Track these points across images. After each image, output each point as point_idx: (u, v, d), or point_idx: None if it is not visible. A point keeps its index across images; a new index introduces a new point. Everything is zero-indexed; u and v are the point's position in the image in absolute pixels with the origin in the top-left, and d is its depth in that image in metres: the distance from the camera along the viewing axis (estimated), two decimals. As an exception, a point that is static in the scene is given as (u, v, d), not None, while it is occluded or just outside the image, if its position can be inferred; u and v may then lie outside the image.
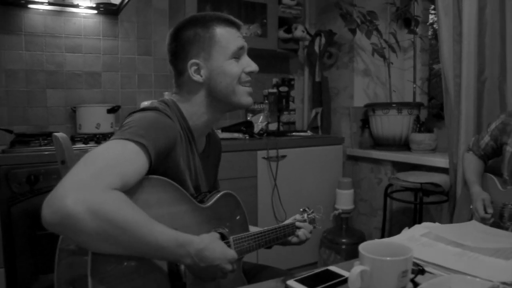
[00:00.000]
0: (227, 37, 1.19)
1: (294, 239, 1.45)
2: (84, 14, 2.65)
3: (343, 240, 2.75)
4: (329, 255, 2.78)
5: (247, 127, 2.73)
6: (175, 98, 1.23)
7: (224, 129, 2.75)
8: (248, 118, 3.01)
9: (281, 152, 2.59)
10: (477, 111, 2.19)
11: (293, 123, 3.24)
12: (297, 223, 1.45)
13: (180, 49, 1.19)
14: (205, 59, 1.18)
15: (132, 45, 2.83)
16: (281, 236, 1.39)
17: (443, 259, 0.99)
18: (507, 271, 0.93)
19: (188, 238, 0.94)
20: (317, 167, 2.79)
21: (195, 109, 1.21)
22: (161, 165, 1.05)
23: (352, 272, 0.73)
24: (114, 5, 2.57)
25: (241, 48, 1.21)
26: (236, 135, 2.64)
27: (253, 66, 1.23)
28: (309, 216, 1.53)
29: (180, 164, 1.13)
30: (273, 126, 3.06)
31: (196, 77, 1.18)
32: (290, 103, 3.25)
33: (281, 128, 3.11)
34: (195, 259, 0.93)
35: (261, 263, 2.39)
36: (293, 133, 2.93)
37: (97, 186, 0.84)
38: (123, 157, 0.93)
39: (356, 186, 3.02)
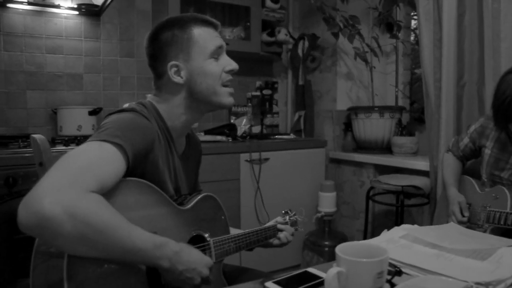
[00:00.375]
0: (205, 37, 1.18)
1: (275, 241, 1.45)
2: (65, 14, 2.62)
3: (326, 243, 2.77)
4: (312, 257, 2.79)
5: (230, 130, 2.73)
6: (153, 99, 1.22)
7: (207, 132, 2.75)
8: (231, 121, 3.01)
9: (264, 155, 2.60)
10: (456, 115, 2.22)
11: (277, 126, 3.24)
12: (279, 226, 1.45)
13: (159, 52, 1.18)
14: (185, 60, 1.17)
15: (114, 46, 2.81)
16: (262, 239, 1.39)
17: (420, 260, 1.00)
18: (482, 271, 0.95)
19: (165, 240, 0.93)
20: (300, 170, 2.80)
21: (173, 110, 1.20)
22: (139, 167, 1.05)
23: (328, 273, 0.73)
24: (96, 6, 2.55)
25: (220, 47, 1.21)
26: (219, 137, 2.64)
27: (233, 65, 1.23)
28: (291, 218, 1.53)
29: (159, 166, 1.12)
30: (256, 129, 3.06)
31: (177, 79, 1.17)
32: (274, 106, 3.26)
33: (265, 131, 3.12)
34: (172, 261, 0.92)
35: (244, 265, 2.39)
36: (276, 136, 2.94)
37: (74, 188, 0.83)
38: (100, 158, 0.92)
39: (338, 189, 3.04)
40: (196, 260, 0.97)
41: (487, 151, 1.77)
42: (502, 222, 1.55)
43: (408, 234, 1.21)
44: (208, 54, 1.18)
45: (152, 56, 1.21)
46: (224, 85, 1.22)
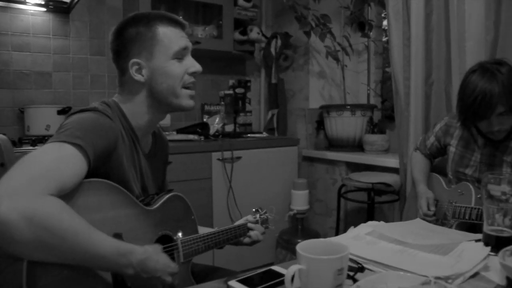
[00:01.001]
0: (170, 37, 1.16)
1: (246, 239, 1.44)
2: (32, 11, 2.56)
3: (299, 241, 2.73)
4: (285, 255, 2.80)
5: (202, 128, 2.72)
6: (117, 98, 1.21)
7: (179, 131, 2.73)
8: (204, 120, 3.00)
9: (236, 153, 2.60)
10: (425, 113, 2.26)
11: (250, 124, 3.24)
12: (249, 225, 1.45)
13: (122, 48, 1.16)
14: (147, 59, 1.15)
15: (84, 44, 2.76)
16: (232, 237, 1.38)
17: (384, 257, 1.02)
18: (443, 266, 0.97)
19: (130, 247, 0.91)
20: (272, 168, 2.81)
21: (136, 109, 1.18)
22: (102, 167, 1.03)
23: (289, 271, 0.74)
24: (65, 3, 2.50)
25: (185, 48, 1.19)
26: (191, 136, 2.62)
27: (196, 67, 1.21)
28: (262, 216, 1.53)
29: (124, 165, 1.11)
30: (229, 128, 3.06)
31: (137, 77, 1.15)
32: (247, 104, 3.26)
33: (238, 130, 3.12)
34: (137, 269, 0.91)
35: (217, 264, 2.40)
36: (249, 135, 2.93)
37: (32, 192, 0.81)
38: (59, 160, 0.90)
39: (311, 187, 3.06)
40: (161, 268, 0.95)
41: (452, 149, 1.81)
42: (467, 217, 1.58)
43: (374, 230, 1.23)
44: (171, 54, 1.16)
45: (115, 52, 1.19)
46: (186, 87, 1.20)
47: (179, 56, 1.18)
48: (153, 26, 1.16)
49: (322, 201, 3.04)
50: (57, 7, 2.55)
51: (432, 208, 1.72)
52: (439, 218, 1.73)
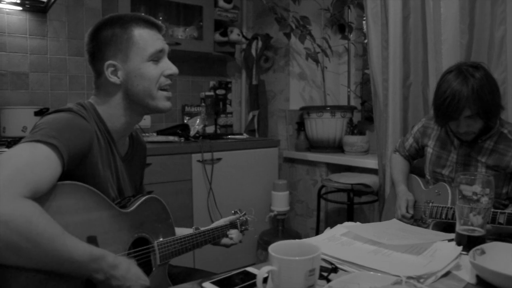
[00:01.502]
0: (146, 39, 1.16)
1: (225, 240, 1.45)
2: (7, 10, 2.51)
3: (280, 242, 2.78)
4: (266, 256, 2.79)
5: (182, 130, 2.71)
6: (93, 100, 1.20)
7: (160, 132, 2.71)
8: (185, 121, 2.99)
9: (217, 155, 2.59)
10: (403, 114, 2.29)
11: (231, 126, 3.24)
12: (230, 231, 1.46)
13: (97, 50, 1.15)
14: (122, 61, 1.15)
15: (62, 45, 2.72)
16: (210, 239, 1.38)
17: (358, 257, 1.03)
18: (415, 266, 0.98)
19: (102, 253, 0.91)
20: (253, 170, 2.81)
21: (112, 111, 1.18)
22: (77, 169, 1.02)
23: (260, 272, 0.74)
24: (42, 2, 2.46)
25: (161, 51, 1.19)
26: (171, 138, 2.61)
27: (173, 69, 1.21)
28: (241, 218, 1.54)
29: (99, 167, 1.10)
30: (210, 129, 3.05)
31: (113, 79, 1.15)
32: (227, 106, 3.26)
33: (219, 131, 3.11)
34: (107, 275, 0.91)
35: (197, 266, 2.39)
36: (229, 136, 2.93)
37: (6, 195, 0.80)
38: (33, 161, 0.88)
39: (292, 188, 3.07)
40: (132, 278, 0.95)
41: (429, 150, 1.84)
42: (443, 217, 1.61)
43: (350, 231, 1.24)
44: (146, 56, 1.16)
45: (91, 54, 1.18)
46: (162, 89, 1.20)
47: (155, 58, 1.17)
48: (129, 28, 1.15)
49: (303, 202, 3.06)
50: (33, 6, 2.51)
51: (411, 211, 1.74)
52: (417, 219, 1.75)
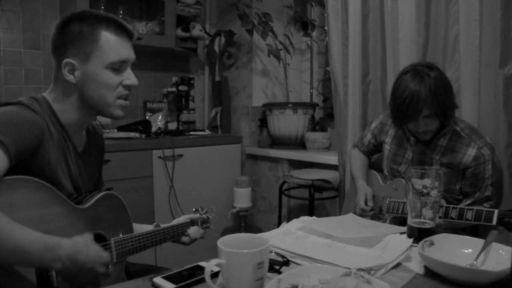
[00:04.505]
0: (111, 45, 1.12)
1: (185, 238, 1.43)
2: (-45, 0, 2.40)
3: (242, 238, 2.78)
4: (228, 253, 2.80)
5: (144, 126, 2.66)
6: (47, 94, 1.17)
7: (120, 128, 2.66)
8: (147, 117, 2.94)
9: (178, 151, 2.56)
10: (362, 111, 2.33)
11: (193, 122, 3.21)
12: (189, 230, 1.43)
13: (61, 44, 1.12)
14: (82, 61, 1.11)
15: (16, 37, 2.62)
16: (169, 237, 1.37)
17: (311, 251, 1.04)
18: (367, 258, 1.00)
19: (57, 241, 0.89)
20: (215, 166, 2.79)
21: (65, 107, 1.15)
22: (27, 164, 0.99)
23: (208, 265, 0.73)
24: (-6, -8, 2.37)
25: (124, 61, 1.15)
26: (132, 134, 2.56)
27: (132, 80, 1.17)
28: (202, 216, 1.52)
29: (51, 162, 1.07)
30: (172, 126, 3.02)
31: (69, 77, 1.12)
32: (190, 102, 3.23)
33: (181, 128, 3.08)
34: (66, 263, 0.89)
35: (160, 263, 2.36)
36: (191, 132, 2.90)
37: None
38: None
39: (255, 184, 3.08)
40: (93, 259, 0.94)
41: (386, 147, 1.87)
42: (400, 211, 1.64)
43: (305, 226, 1.25)
44: (107, 63, 1.12)
45: (54, 46, 1.14)
46: (119, 98, 1.17)
47: (116, 67, 1.14)
48: (97, 29, 1.11)
49: (265, 198, 3.07)
50: (-15, -3, 2.41)
51: (370, 204, 1.77)
52: (375, 213, 1.78)
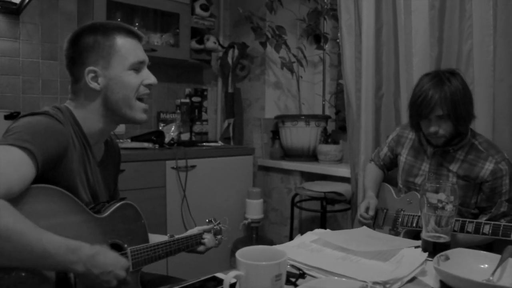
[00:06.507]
0: (128, 48, 1.18)
1: (201, 247, 1.45)
2: (-22, 11, 2.47)
3: (253, 250, 2.78)
4: (239, 264, 2.79)
5: (157, 136, 2.69)
6: (69, 104, 1.20)
7: (134, 139, 2.69)
8: (160, 128, 2.97)
9: (191, 162, 2.58)
10: (375, 124, 2.33)
11: (206, 133, 3.24)
12: (204, 236, 1.46)
13: (78, 55, 1.16)
14: (104, 68, 1.15)
15: (35, 48, 2.68)
16: (184, 247, 1.38)
17: (326, 263, 1.04)
18: (382, 271, 1.00)
19: (79, 244, 0.92)
20: (227, 177, 2.80)
21: (89, 116, 1.18)
22: (51, 172, 1.02)
23: (227, 277, 0.74)
24: (14, 4, 2.42)
25: (142, 62, 1.21)
26: (145, 144, 2.59)
27: (152, 79, 1.23)
28: (215, 227, 1.54)
29: (73, 171, 1.10)
30: (185, 136, 3.04)
31: (93, 85, 1.15)
32: (203, 113, 3.26)
33: (194, 138, 3.11)
34: (87, 265, 0.91)
35: (171, 273, 2.37)
36: (204, 144, 2.93)
37: None
38: (6, 163, 0.88)
39: (267, 196, 3.08)
40: (112, 263, 0.96)
41: (402, 159, 1.87)
42: (414, 225, 1.64)
43: (319, 238, 1.25)
44: (128, 65, 1.17)
45: (71, 59, 1.18)
46: (140, 99, 1.21)
47: (135, 67, 1.19)
48: (111, 35, 1.17)
49: (277, 210, 3.07)
50: (5, 8, 2.47)
51: (371, 213, 1.77)
52: (390, 227, 1.78)
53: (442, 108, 1.54)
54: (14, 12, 2.55)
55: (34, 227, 0.85)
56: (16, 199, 0.88)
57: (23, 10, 2.53)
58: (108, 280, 0.96)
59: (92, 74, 1.15)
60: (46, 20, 2.70)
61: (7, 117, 2.40)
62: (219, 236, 1.55)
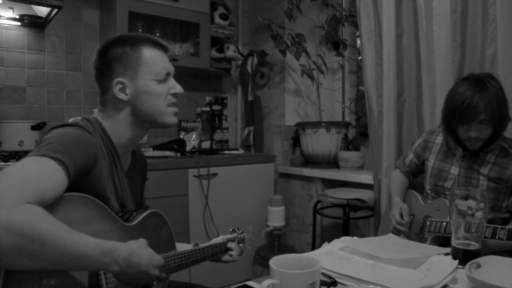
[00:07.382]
0: (155, 59, 1.21)
1: (225, 257, 1.47)
2: (6, 25, 2.54)
3: (275, 257, 2.77)
4: (262, 271, 2.79)
5: (179, 145, 2.72)
6: (98, 115, 1.22)
7: (156, 147, 2.72)
8: (181, 136, 3.00)
9: (213, 170, 2.60)
10: (397, 130, 2.32)
11: (226, 141, 3.26)
12: (229, 244, 1.48)
13: (106, 66, 1.19)
14: (132, 78, 1.18)
15: (60, 60, 2.74)
16: (209, 256, 1.40)
17: (356, 271, 1.04)
18: (412, 279, 0.99)
19: (114, 245, 0.93)
20: (249, 185, 2.81)
21: (118, 126, 1.20)
22: (81, 182, 1.04)
23: (262, 286, 0.75)
24: (40, 18, 2.49)
25: (168, 73, 1.24)
26: (167, 153, 2.62)
27: (178, 88, 1.26)
28: (239, 236, 1.55)
29: (103, 181, 1.12)
30: (206, 145, 3.07)
31: (121, 96, 1.18)
32: (223, 121, 3.28)
33: (214, 146, 3.13)
34: (123, 265, 0.93)
35: (193, 280, 2.38)
36: (225, 151, 2.94)
37: (9, 201, 0.81)
38: (39, 173, 0.90)
39: (288, 203, 3.08)
40: (146, 263, 0.98)
41: (429, 164, 1.85)
42: (442, 231, 1.62)
43: (347, 246, 1.25)
44: (155, 75, 1.20)
45: (99, 70, 1.21)
46: (169, 106, 1.24)
47: (162, 78, 1.22)
48: (139, 47, 1.20)
49: (298, 217, 3.06)
50: (32, 22, 2.54)
51: (406, 218, 1.74)
52: (416, 233, 1.76)
53: (487, 113, 1.52)
54: (40, 26, 2.62)
55: (69, 229, 0.86)
56: (49, 206, 0.89)
57: (48, 23, 2.60)
58: (142, 278, 0.99)
59: (120, 86, 1.18)
60: (69, 33, 2.77)
61: (33, 128, 2.47)
62: (241, 245, 1.56)
